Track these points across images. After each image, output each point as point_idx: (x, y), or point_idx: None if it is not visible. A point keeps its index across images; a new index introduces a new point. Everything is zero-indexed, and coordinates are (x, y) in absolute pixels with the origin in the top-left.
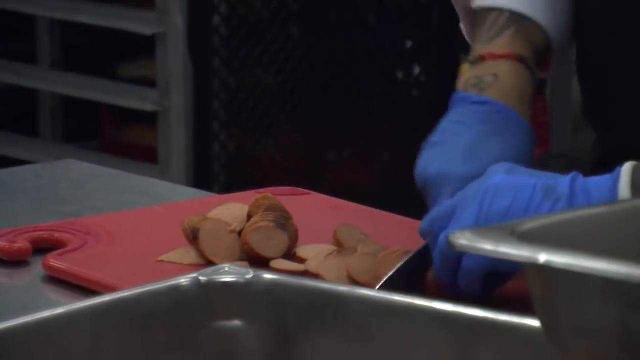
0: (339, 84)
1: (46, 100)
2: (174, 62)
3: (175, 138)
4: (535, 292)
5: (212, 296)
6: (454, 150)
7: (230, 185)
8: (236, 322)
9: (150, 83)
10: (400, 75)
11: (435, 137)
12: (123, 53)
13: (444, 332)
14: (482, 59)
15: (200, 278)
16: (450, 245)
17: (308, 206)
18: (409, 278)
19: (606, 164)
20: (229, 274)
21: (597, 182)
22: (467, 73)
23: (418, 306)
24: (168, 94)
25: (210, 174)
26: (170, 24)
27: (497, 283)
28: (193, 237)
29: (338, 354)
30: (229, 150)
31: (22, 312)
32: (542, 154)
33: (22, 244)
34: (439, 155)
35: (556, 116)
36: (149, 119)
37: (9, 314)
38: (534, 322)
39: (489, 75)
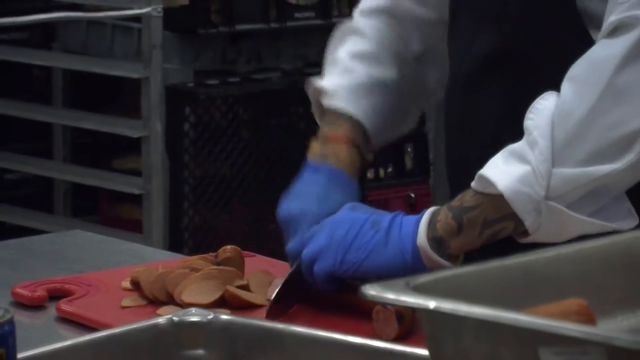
0: (277, 174)
1: (59, 185)
2: (155, 157)
3: (155, 214)
4: (426, 329)
5: (182, 331)
6: (310, 197)
7: (196, 249)
8: (200, 351)
9: (137, 173)
10: None
11: (293, 190)
12: (117, 150)
13: (355, 358)
14: (326, 139)
15: (174, 318)
16: (362, 294)
17: (253, 265)
18: (292, 289)
19: None
20: (195, 315)
21: (409, 219)
22: (315, 148)
23: (336, 339)
24: (150, 181)
25: (181, 240)
26: (152, 130)
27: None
28: (136, 287)
29: None
30: (195, 223)
31: (39, 344)
32: None
33: (40, 293)
34: (299, 200)
35: (436, 198)
36: (136, 200)
37: (30, 345)
38: (424, 352)
39: (331, 153)
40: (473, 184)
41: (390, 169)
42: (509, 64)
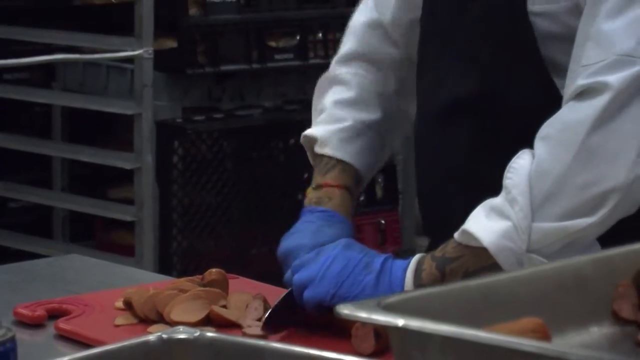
0: (259, 203)
1: (58, 213)
2: (146, 187)
3: (147, 239)
4: (395, 345)
5: (171, 348)
6: (305, 233)
7: (184, 271)
8: None
9: (129, 201)
10: (299, 196)
11: (291, 230)
12: (111, 181)
13: None
14: (320, 186)
15: (163, 335)
16: (336, 313)
17: (237, 287)
18: (286, 311)
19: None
20: (182, 332)
21: (398, 264)
22: (311, 195)
23: (312, 354)
24: (142, 209)
25: (170, 263)
26: (143, 162)
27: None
28: (128, 307)
29: None
30: (183, 248)
31: None
32: (395, 250)
33: (39, 312)
34: (295, 237)
35: (404, 225)
36: (129, 226)
37: None
38: None
39: (325, 197)
40: (456, 236)
41: (362, 198)
42: (479, 104)
